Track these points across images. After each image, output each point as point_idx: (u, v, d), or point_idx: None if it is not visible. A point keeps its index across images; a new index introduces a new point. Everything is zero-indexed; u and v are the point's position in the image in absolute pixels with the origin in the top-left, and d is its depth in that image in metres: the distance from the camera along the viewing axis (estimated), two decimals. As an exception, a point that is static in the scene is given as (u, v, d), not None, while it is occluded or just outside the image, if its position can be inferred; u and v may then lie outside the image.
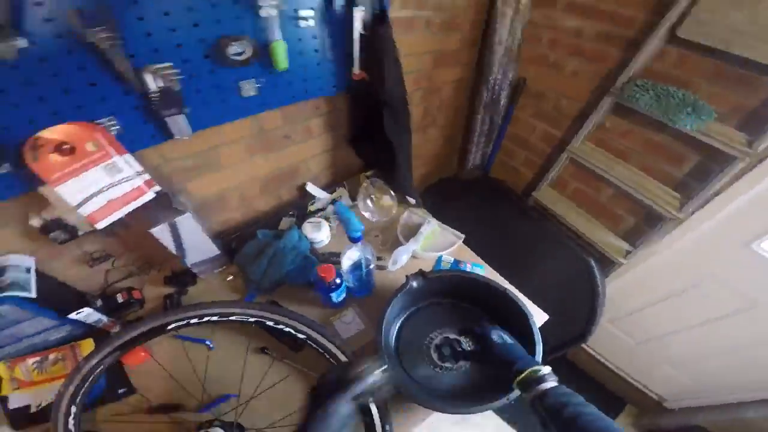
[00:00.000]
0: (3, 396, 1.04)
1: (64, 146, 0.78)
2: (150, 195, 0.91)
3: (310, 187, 1.34)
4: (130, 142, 0.85)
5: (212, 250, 1.11)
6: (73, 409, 0.85)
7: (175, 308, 1.01)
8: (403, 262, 1.14)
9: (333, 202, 1.33)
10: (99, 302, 1.05)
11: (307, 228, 1.15)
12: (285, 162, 1.22)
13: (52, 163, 0.78)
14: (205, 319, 0.93)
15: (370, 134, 1.21)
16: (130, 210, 0.89)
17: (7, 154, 0.75)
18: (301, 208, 1.31)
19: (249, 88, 0.93)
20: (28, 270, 1.00)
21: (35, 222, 0.92)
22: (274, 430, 0.91)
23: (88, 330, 1.14)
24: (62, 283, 1.11)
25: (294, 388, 0.98)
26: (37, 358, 1.08)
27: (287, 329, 0.92)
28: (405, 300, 0.98)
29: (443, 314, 1.03)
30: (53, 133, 0.77)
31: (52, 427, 0.81)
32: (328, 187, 1.37)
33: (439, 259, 1.20)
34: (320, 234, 1.15)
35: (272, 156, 1.17)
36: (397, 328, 0.99)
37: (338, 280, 0.96)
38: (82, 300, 1.09)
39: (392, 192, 1.23)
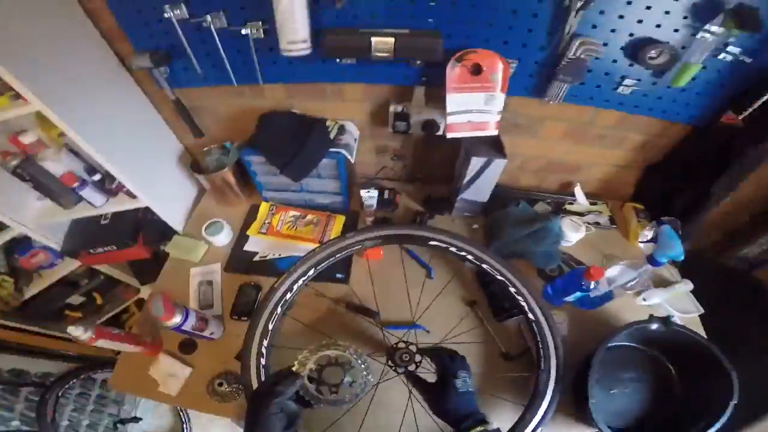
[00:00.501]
0: (246, 235, 1.31)
1: (477, 68, 0.95)
2: (492, 133, 1.07)
3: (578, 190, 1.36)
4: (510, 86, 0.98)
5: (485, 197, 1.26)
6: (299, 280, 1.01)
7: (428, 227, 1.16)
8: (650, 302, 1.12)
9: (588, 212, 1.36)
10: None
11: (567, 224, 1.21)
12: (578, 156, 1.26)
13: (460, 75, 0.97)
14: (463, 253, 1.07)
15: (685, 176, 1.15)
16: (473, 135, 1.06)
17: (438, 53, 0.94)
18: (557, 202, 1.36)
19: (626, 87, 0.98)
20: (355, 140, 1.26)
21: (392, 108, 1.13)
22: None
23: (342, 208, 1.39)
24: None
25: (474, 351, 1.04)
26: (299, 213, 1.36)
27: (519, 297, 0.98)
28: (630, 335, 0.97)
29: (634, 361, 1.01)
30: (479, 55, 0.94)
31: (279, 279, 0.99)
32: (592, 197, 1.37)
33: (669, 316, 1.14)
34: (575, 235, 1.20)
35: (576, 147, 1.22)
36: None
37: (592, 285, 0.99)
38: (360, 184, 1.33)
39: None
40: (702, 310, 1.13)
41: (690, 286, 1.14)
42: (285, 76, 1.10)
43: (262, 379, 0.86)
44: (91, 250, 1.40)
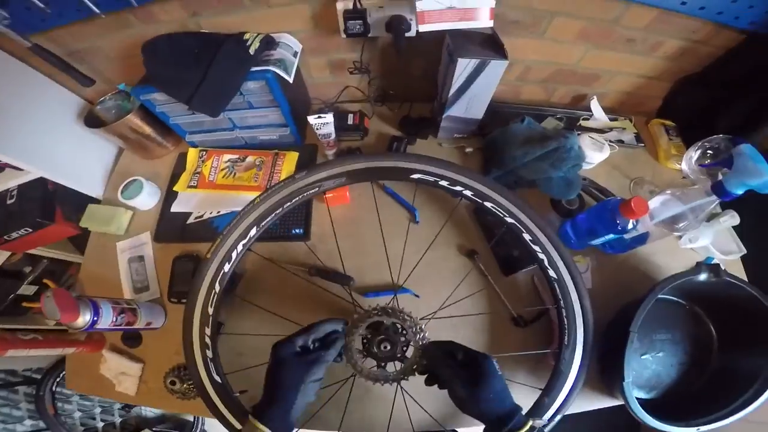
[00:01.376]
0: (174, 191, 1.05)
1: None
2: (485, 24, 0.77)
3: (594, 103, 1.10)
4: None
5: (479, 112, 0.98)
6: (238, 244, 0.79)
7: (408, 154, 0.90)
8: (700, 243, 0.90)
9: (609, 129, 1.09)
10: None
11: (587, 142, 0.95)
12: (596, 63, 1.02)
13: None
14: (457, 187, 0.80)
15: (733, 91, 0.94)
16: (457, 28, 0.77)
17: None
18: (569, 117, 1.13)
19: None
20: (294, 54, 0.96)
21: (340, 5, 0.84)
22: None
23: (294, 143, 1.12)
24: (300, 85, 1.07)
25: (484, 316, 0.86)
26: (235, 156, 1.08)
27: (535, 247, 0.76)
28: (673, 289, 0.76)
29: (670, 319, 0.85)
30: None
31: (210, 248, 0.77)
32: (610, 112, 1.13)
33: (708, 260, 0.92)
34: (598, 155, 0.95)
35: (595, 51, 0.98)
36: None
37: (631, 224, 0.74)
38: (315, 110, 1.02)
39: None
40: (744, 251, 0.94)
41: (737, 219, 0.91)
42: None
43: (213, 375, 0.71)
44: (6, 237, 1.16)
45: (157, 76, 0.88)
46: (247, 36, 0.88)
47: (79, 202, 1.13)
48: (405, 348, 0.63)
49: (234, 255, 0.77)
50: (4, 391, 1.43)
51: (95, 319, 0.74)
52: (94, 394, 0.96)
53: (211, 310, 0.75)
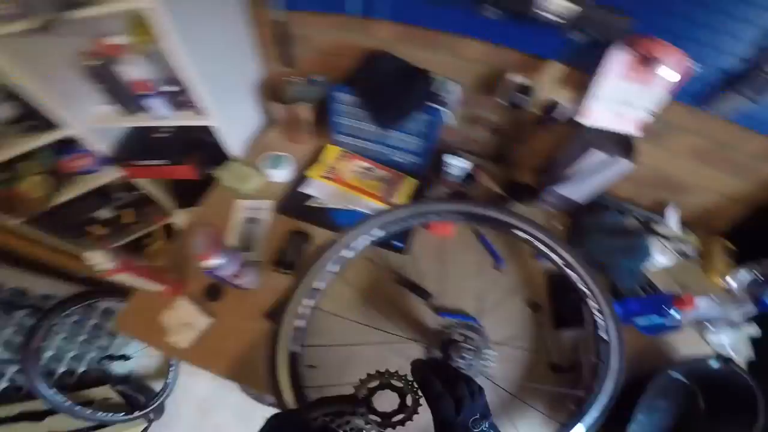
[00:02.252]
0: (305, 176, 1.20)
1: (649, 59, 0.82)
2: (633, 131, 0.96)
3: (672, 212, 1.24)
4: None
5: (583, 197, 1.16)
6: (366, 238, 0.90)
7: (519, 214, 1.03)
8: (716, 340, 1.05)
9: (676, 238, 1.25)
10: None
11: (658, 246, 1.12)
12: (692, 177, 1.13)
13: (627, 61, 0.84)
14: (546, 249, 0.97)
15: None
16: (610, 127, 0.95)
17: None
18: (645, 219, 1.26)
19: None
20: (457, 101, 1.15)
21: (512, 77, 1.01)
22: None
23: (417, 171, 1.27)
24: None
25: (523, 355, 0.97)
26: (369, 165, 1.25)
27: (597, 314, 0.91)
28: (686, 368, 0.93)
29: (670, 391, 0.98)
30: (657, 46, 0.81)
31: (343, 233, 0.87)
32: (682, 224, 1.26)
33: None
34: (661, 259, 1.12)
35: (696, 167, 1.09)
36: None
37: (678, 314, 0.90)
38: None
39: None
40: (753, 357, 1.07)
41: (757, 331, 1.06)
42: (401, 14, 0.99)
43: (294, 343, 0.78)
44: (141, 162, 1.32)
45: (362, 82, 1.07)
46: (434, 76, 1.08)
47: (212, 155, 1.31)
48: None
49: (358, 246, 0.89)
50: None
51: (223, 266, 0.82)
52: (139, 338, 0.96)
53: (318, 285, 0.84)
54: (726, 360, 0.89)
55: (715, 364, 0.89)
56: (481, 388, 0.53)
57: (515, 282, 1.06)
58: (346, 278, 0.99)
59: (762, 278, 1.08)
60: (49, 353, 1.51)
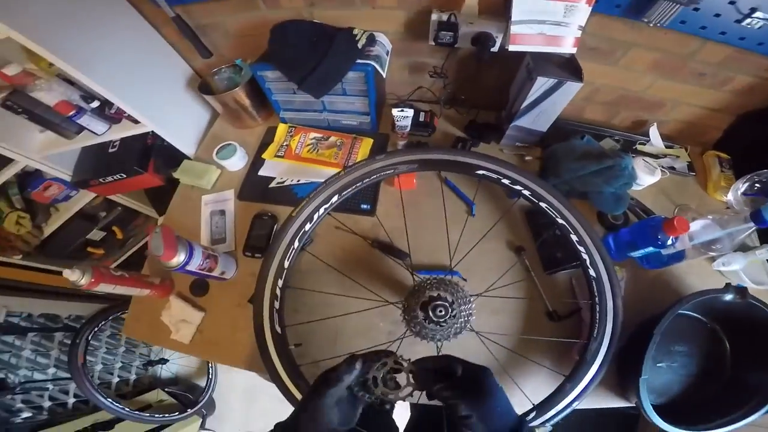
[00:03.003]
0: (262, 159, 1.19)
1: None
2: (568, 50, 0.88)
3: (653, 130, 1.18)
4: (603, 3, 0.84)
5: (544, 125, 1.09)
6: (321, 208, 0.88)
7: (477, 153, 0.98)
8: (731, 267, 0.98)
9: (664, 155, 1.18)
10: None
11: (641, 165, 1.03)
12: (662, 92, 1.09)
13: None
14: (513, 185, 0.91)
15: None
16: (545, 51, 0.87)
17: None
18: (626, 140, 1.20)
19: (756, 21, 0.79)
20: (387, 53, 1.09)
21: (435, 16, 0.96)
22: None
23: (370, 131, 1.24)
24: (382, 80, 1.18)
25: (516, 306, 0.94)
26: (320, 135, 1.21)
27: (580, 248, 0.85)
28: (698, 304, 0.84)
29: (689, 333, 0.91)
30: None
31: (297, 207, 0.86)
32: (666, 139, 1.20)
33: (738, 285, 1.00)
34: (649, 178, 1.03)
35: (663, 81, 1.05)
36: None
37: (670, 240, 0.83)
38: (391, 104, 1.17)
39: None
40: None
41: None
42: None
43: (275, 325, 0.78)
44: (101, 180, 1.34)
45: (278, 56, 1.02)
46: (356, 31, 1.02)
47: (169, 157, 1.31)
48: (454, 315, 0.67)
49: (316, 216, 0.86)
50: (40, 336, 1.51)
51: (188, 260, 0.82)
52: (149, 341, 1.05)
53: (287, 263, 0.83)
54: (740, 290, 0.79)
55: (728, 296, 0.79)
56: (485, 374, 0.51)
57: (495, 228, 1.00)
58: (318, 250, 1.00)
59: (760, 190, 0.99)
60: (98, 367, 1.73)
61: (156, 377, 2.06)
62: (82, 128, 1.15)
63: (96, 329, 1.63)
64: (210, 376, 2.06)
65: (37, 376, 1.49)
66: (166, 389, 2.00)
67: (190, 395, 2.01)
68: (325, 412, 0.48)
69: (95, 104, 1.12)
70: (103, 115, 1.15)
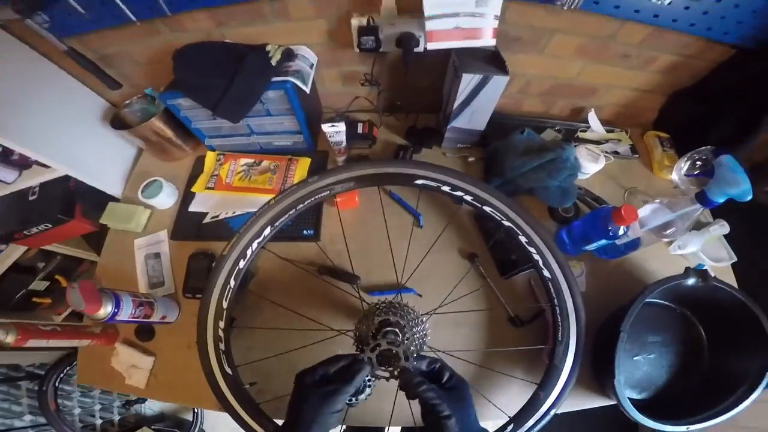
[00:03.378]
0: (191, 192, 1.12)
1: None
2: (488, 42, 0.83)
3: (592, 116, 1.17)
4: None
5: (481, 124, 1.05)
6: (253, 242, 0.83)
7: (412, 161, 0.93)
8: (689, 249, 0.96)
9: (605, 140, 1.16)
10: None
11: (583, 153, 1.01)
12: (593, 77, 1.07)
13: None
14: (458, 192, 0.86)
15: (724, 104, 0.98)
16: (462, 46, 0.83)
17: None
18: (567, 129, 1.19)
19: None
20: (311, 66, 1.03)
21: (355, 21, 0.91)
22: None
23: (306, 150, 1.19)
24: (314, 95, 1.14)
25: (477, 318, 0.91)
26: (251, 160, 1.15)
27: (531, 249, 0.81)
28: (662, 292, 0.81)
29: (661, 322, 0.89)
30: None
31: (227, 245, 0.81)
32: (606, 124, 1.20)
33: (698, 266, 0.98)
34: (593, 166, 1.01)
35: (592, 66, 1.04)
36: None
37: (622, 230, 0.80)
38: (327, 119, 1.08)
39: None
40: (735, 258, 0.98)
41: (726, 228, 0.96)
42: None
43: (225, 367, 0.74)
44: (26, 232, 1.23)
45: (184, 82, 0.94)
46: (269, 48, 0.95)
47: (97, 200, 1.20)
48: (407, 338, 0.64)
49: (249, 252, 0.81)
50: (5, 386, 1.46)
51: (116, 310, 0.77)
52: (104, 388, 0.99)
53: (225, 304, 0.79)
54: (701, 273, 0.77)
55: (690, 280, 0.77)
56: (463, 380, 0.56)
57: (444, 237, 0.97)
58: (262, 285, 0.97)
59: (702, 168, 0.97)
60: (77, 411, 1.66)
61: (141, 415, 1.97)
62: (-12, 177, 1.05)
63: (62, 375, 1.58)
64: (196, 410, 1.98)
65: (17, 423, 1.45)
66: (153, 427, 1.91)
67: (178, 431, 1.94)
68: (332, 419, 0.50)
69: (-4, 152, 1.04)
70: (8, 161, 1.05)
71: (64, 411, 1.55)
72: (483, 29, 0.81)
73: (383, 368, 0.56)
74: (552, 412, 0.71)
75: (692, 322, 0.89)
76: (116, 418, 1.85)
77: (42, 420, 1.50)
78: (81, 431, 1.56)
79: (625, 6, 0.82)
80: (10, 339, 0.72)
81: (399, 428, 1.07)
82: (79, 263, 1.76)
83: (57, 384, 1.55)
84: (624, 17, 0.86)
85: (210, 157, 1.17)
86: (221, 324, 0.78)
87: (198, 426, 1.98)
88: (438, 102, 1.13)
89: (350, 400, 0.55)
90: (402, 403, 0.73)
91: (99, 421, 1.76)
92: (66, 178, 1.11)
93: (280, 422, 0.69)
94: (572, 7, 0.81)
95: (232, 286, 0.80)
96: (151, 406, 2.03)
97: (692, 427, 0.73)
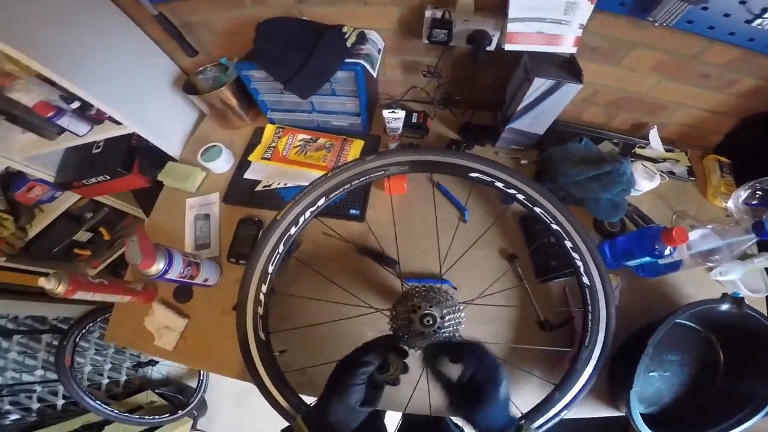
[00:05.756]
0: (248, 161, 1.15)
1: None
2: (568, 50, 0.84)
3: (654, 133, 1.14)
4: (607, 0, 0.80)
5: (542, 128, 1.05)
6: (306, 211, 0.84)
7: (470, 154, 0.93)
8: (729, 277, 0.94)
9: (663, 159, 1.14)
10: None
11: (640, 170, 1.00)
12: (664, 94, 1.05)
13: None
14: (508, 188, 0.86)
15: None
16: (543, 51, 0.83)
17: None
18: (625, 143, 1.16)
19: (766, 21, 0.77)
20: (378, 51, 1.05)
21: (429, 13, 0.92)
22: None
23: (361, 132, 1.21)
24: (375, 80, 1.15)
25: (507, 315, 0.91)
26: (308, 136, 1.18)
27: (575, 255, 0.82)
28: (693, 314, 0.81)
29: (683, 341, 0.89)
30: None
31: (282, 211, 0.82)
32: (667, 143, 1.17)
33: (734, 294, 0.97)
34: (647, 184, 1.00)
35: (666, 83, 1.01)
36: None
37: (668, 251, 0.80)
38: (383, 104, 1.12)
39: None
40: None
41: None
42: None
43: (259, 331, 0.75)
44: (84, 181, 1.30)
45: (263, 55, 0.97)
46: (345, 29, 0.98)
47: (155, 159, 1.27)
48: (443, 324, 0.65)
49: (301, 220, 0.82)
50: (27, 338, 1.50)
51: (168, 268, 0.79)
52: (132, 347, 1.02)
53: (271, 269, 0.80)
54: (737, 300, 0.77)
55: (724, 305, 0.77)
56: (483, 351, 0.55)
57: (488, 234, 0.98)
58: (305, 256, 0.98)
59: (762, 199, 0.95)
60: (88, 368, 1.72)
61: (147, 378, 2.04)
62: (63, 129, 1.11)
63: (84, 331, 1.62)
64: (201, 378, 2.05)
65: (25, 377, 1.47)
66: (156, 391, 1.98)
67: (181, 397, 1.99)
68: (353, 394, 0.49)
69: (75, 105, 1.07)
70: (84, 116, 1.11)
71: (76, 368, 1.58)
72: (565, 36, 0.81)
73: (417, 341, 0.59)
74: (563, 414, 0.71)
75: (714, 347, 0.89)
76: (123, 378, 1.92)
77: (51, 376, 1.54)
78: (87, 390, 1.58)
79: (720, 27, 0.81)
80: (61, 289, 0.72)
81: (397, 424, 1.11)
82: (123, 218, 1.83)
83: (77, 340, 1.59)
84: (715, 38, 0.84)
85: (269, 129, 1.21)
86: (263, 288, 0.79)
87: (200, 394, 2.03)
88: (498, 101, 1.13)
89: (383, 376, 0.56)
90: (421, 389, 0.74)
91: (105, 381, 1.81)
92: (129, 136, 1.18)
93: (303, 398, 0.71)
94: (664, 24, 0.80)
95: (279, 252, 0.81)
96: (159, 370, 2.10)
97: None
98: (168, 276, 0.81)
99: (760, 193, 0.96)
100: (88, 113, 1.12)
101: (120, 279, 0.98)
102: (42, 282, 0.71)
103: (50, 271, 0.73)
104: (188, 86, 1.16)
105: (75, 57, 0.91)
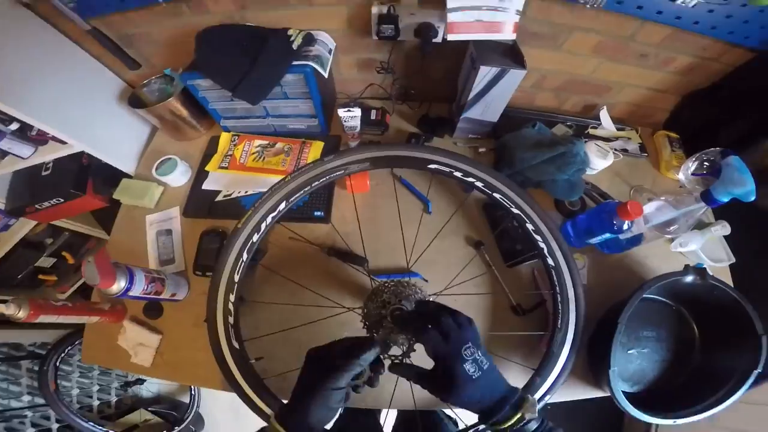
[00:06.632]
0: (205, 171, 1.14)
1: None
2: (509, 37, 0.86)
3: (604, 113, 1.18)
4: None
5: (494, 116, 1.07)
6: (268, 217, 0.83)
7: (427, 146, 0.94)
8: (689, 247, 0.98)
9: (615, 138, 1.18)
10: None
11: (593, 149, 1.03)
12: (608, 75, 1.08)
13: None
14: (470, 178, 0.87)
15: (737, 107, 0.99)
16: (485, 39, 0.85)
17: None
18: (578, 125, 1.20)
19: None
20: (329, 51, 1.05)
21: (375, 9, 0.92)
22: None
23: (320, 133, 1.21)
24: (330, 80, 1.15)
25: (480, 303, 0.92)
26: (266, 142, 1.17)
27: (537, 237, 0.84)
28: (661, 288, 0.84)
29: (656, 317, 0.91)
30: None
31: (242, 218, 0.82)
32: (618, 122, 1.21)
33: (698, 265, 1.00)
34: (601, 162, 1.03)
35: (608, 64, 1.04)
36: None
37: (626, 225, 0.82)
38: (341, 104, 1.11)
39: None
40: (733, 259, 1.00)
41: (728, 229, 0.98)
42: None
43: (232, 341, 0.75)
44: (37, 206, 1.25)
45: (206, 63, 0.96)
46: (291, 32, 0.96)
47: (109, 177, 1.23)
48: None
49: (263, 226, 0.82)
50: (6, 365, 1.46)
51: (130, 285, 0.77)
52: (109, 366, 1.00)
53: (237, 278, 0.79)
54: (700, 271, 0.79)
55: (688, 277, 0.79)
56: (469, 320, 0.56)
57: (452, 223, 0.99)
58: (273, 262, 0.98)
59: (709, 169, 0.99)
60: (75, 391, 1.67)
61: (138, 397, 2.00)
62: (5, 153, 1.07)
63: (63, 354, 1.58)
64: (193, 392, 2.00)
65: (13, 404, 1.45)
66: (149, 409, 1.93)
67: (174, 413, 1.95)
68: (336, 396, 0.49)
69: (14, 126, 1.02)
70: (26, 137, 1.07)
71: (63, 392, 1.55)
72: (504, 23, 0.83)
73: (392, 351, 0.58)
74: (546, 399, 0.72)
75: (686, 320, 0.91)
76: (113, 399, 1.87)
77: (40, 401, 1.50)
78: (78, 412, 1.55)
79: (648, 7, 0.83)
80: (22, 314, 0.72)
81: (395, 415, 1.12)
82: (86, 240, 1.77)
83: (58, 364, 1.55)
84: (645, 18, 0.86)
85: (224, 137, 1.19)
86: (231, 297, 0.78)
87: (194, 408, 2.00)
88: (452, 92, 1.14)
89: (356, 381, 0.54)
90: (403, 384, 0.74)
91: (96, 402, 1.77)
92: (79, 155, 1.13)
93: (284, 401, 0.70)
94: (595, 6, 0.82)
95: (244, 260, 0.81)
96: (149, 388, 2.05)
97: (679, 421, 0.76)
98: (132, 293, 0.80)
99: (707, 163, 0.99)
100: (29, 134, 1.07)
101: (86, 300, 0.96)
102: (1, 309, 0.72)
103: (20, 296, 0.72)
104: (134, 100, 1.13)
105: (7, 77, 0.88)
